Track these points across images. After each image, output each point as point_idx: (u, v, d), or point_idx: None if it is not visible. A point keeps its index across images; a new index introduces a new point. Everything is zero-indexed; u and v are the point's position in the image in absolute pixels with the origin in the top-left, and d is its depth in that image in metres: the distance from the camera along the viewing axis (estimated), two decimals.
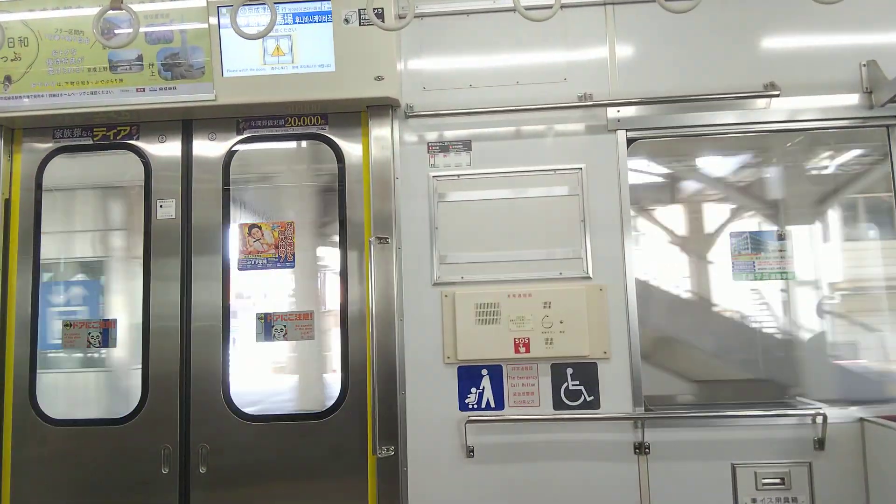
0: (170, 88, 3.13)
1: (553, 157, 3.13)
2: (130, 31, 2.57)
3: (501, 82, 3.18)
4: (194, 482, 3.06)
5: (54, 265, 3.38)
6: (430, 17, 3.22)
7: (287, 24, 3.07)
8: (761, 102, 3.08)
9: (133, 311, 3.20)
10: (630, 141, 3.11)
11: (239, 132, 3.27)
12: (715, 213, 3.24)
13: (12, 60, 3.16)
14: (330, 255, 3.18)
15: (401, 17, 3.07)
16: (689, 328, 3.23)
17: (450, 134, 3.18)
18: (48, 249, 3.29)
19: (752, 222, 3.21)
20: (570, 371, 3.00)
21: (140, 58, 3.12)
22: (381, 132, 3.18)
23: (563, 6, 2.52)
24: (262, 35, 2.54)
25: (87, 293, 3.38)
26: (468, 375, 3.03)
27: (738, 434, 2.95)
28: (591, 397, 2.98)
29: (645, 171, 3.21)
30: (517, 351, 2.99)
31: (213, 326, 3.13)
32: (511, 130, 3.17)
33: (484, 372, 3.02)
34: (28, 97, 3.17)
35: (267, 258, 3.17)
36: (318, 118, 3.25)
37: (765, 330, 3.19)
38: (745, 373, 3.19)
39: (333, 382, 3.10)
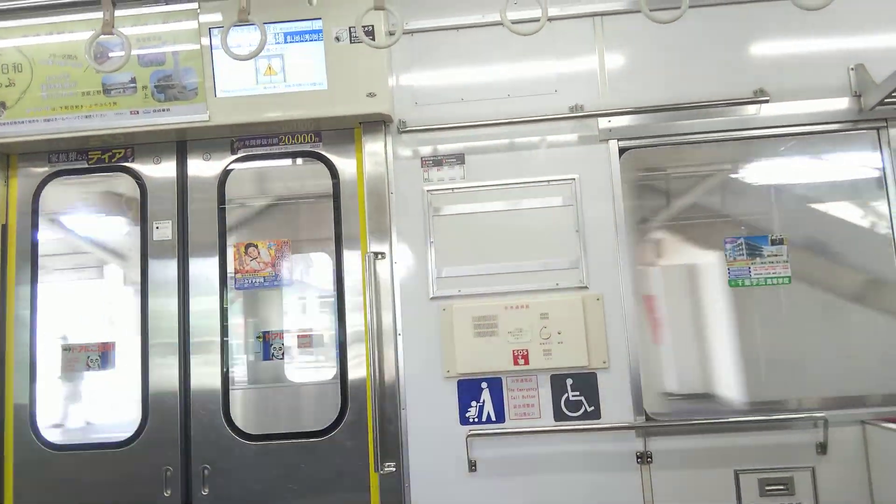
0: (163, 110, 3.15)
1: (546, 169, 3.14)
2: (123, 54, 2.59)
3: (493, 95, 3.20)
4: None
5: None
6: (419, 33, 3.24)
7: (278, 43, 3.09)
8: (751, 109, 3.10)
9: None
10: (622, 150, 3.13)
11: (233, 151, 3.29)
12: None
13: (7, 86, 3.18)
14: (326, 272, 3.18)
15: (391, 34, 3.09)
16: None
17: (443, 148, 3.20)
18: None
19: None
20: (569, 382, 3.00)
21: (133, 80, 3.14)
22: (374, 148, 3.19)
23: (550, 19, 2.55)
24: (253, 55, 2.56)
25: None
26: (468, 389, 3.02)
27: (740, 440, 2.94)
28: (592, 407, 2.98)
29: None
30: (516, 363, 2.99)
31: (211, 347, 3.13)
32: (504, 143, 3.18)
33: (484, 385, 3.02)
34: (23, 122, 3.19)
35: (264, 277, 3.18)
36: (312, 135, 3.27)
37: None
38: None
39: None
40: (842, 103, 3.07)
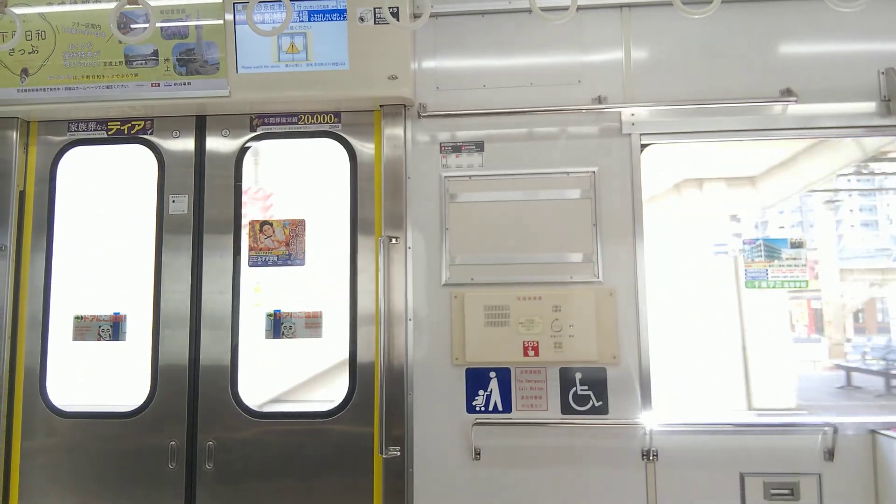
0: (184, 84, 3.14)
1: (566, 160, 3.11)
2: (146, 26, 2.59)
3: (515, 83, 3.17)
4: (200, 478, 3.07)
5: None
6: (444, 16, 3.21)
7: (302, 21, 3.07)
8: (778, 108, 3.05)
9: None
10: (644, 145, 3.09)
11: (252, 129, 3.28)
12: None
13: (30, 53, 3.18)
14: (340, 254, 3.17)
15: (416, 17, 3.07)
16: None
17: (462, 134, 3.17)
18: None
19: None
20: (578, 375, 2.98)
21: (155, 53, 3.13)
22: (393, 131, 3.17)
23: (579, 8, 2.50)
24: (277, 32, 2.56)
25: None
26: (476, 378, 3.02)
27: (747, 443, 2.92)
28: (600, 402, 2.96)
29: None
30: (526, 354, 2.98)
31: (222, 322, 3.14)
32: (524, 132, 3.15)
33: (492, 374, 3.01)
34: (44, 90, 3.19)
35: (277, 255, 3.18)
36: (332, 116, 3.25)
37: None
38: None
39: None
40: (870, 107, 3.02)
